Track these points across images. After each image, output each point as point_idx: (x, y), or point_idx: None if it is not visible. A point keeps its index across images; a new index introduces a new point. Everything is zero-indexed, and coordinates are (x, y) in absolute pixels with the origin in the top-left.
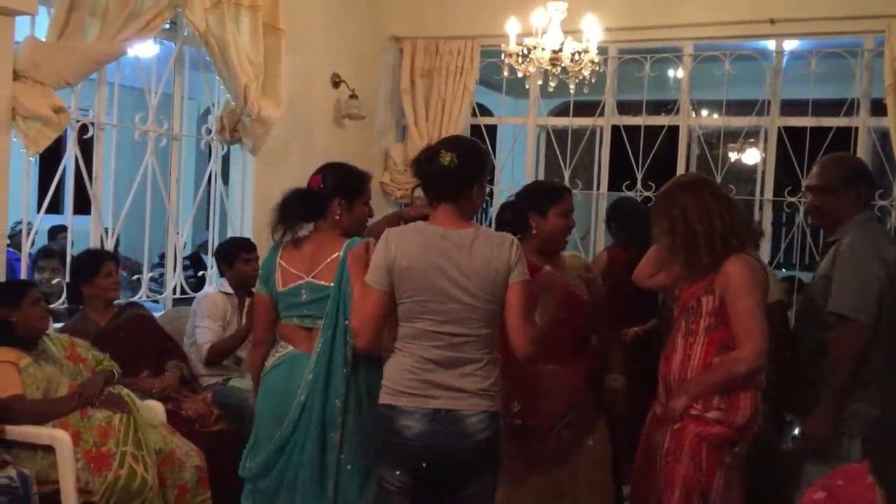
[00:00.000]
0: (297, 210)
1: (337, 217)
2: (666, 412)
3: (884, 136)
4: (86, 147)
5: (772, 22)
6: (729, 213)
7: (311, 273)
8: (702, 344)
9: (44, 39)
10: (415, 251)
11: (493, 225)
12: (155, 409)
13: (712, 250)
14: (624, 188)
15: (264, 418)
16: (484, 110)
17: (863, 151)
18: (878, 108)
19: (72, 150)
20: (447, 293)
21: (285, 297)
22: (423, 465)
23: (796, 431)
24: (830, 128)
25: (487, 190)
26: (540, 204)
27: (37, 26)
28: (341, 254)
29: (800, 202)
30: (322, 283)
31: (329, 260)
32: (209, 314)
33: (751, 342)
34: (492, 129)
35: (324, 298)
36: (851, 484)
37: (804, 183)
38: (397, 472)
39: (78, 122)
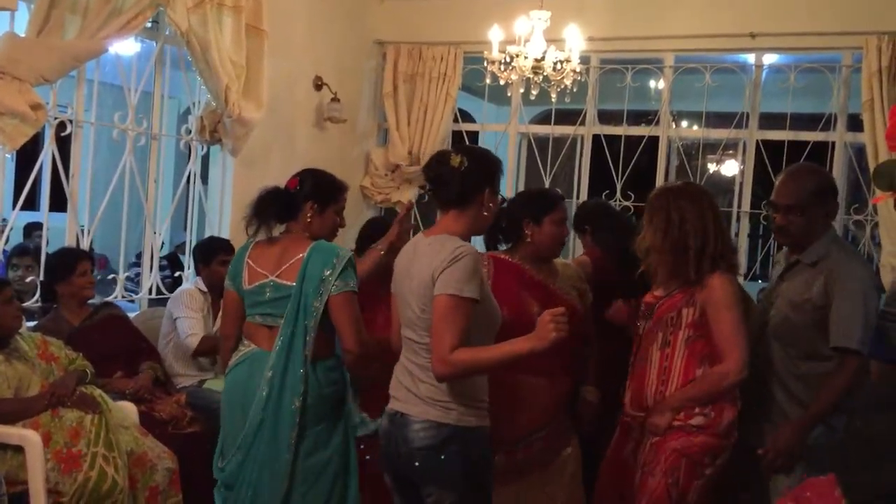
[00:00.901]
0: (271, 208)
1: (308, 220)
2: (649, 427)
3: (860, 151)
4: (63, 144)
5: (752, 36)
6: (722, 235)
7: (275, 272)
8: (681, 356)
9: (23, 35)
10: (400, 259)
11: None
12: (127, 411)
13: (699, 268)
14: (603, 197)
15: (227, 416)
16: (466, 116)
17: (839, 166)
18: (855, 123)
19: (49, 148)
20: (404, 299)
21: (250, 294)
22: (386, 464)
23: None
24: (808, 142)
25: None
26: (535, 211)
27: (16, 22)
28: (305, 255)
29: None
30: (285, 282)
31: (294, 260)
32: (190, 305)
33: (735, 355)
34: (473, 136)
35: (286, 298)
36: (820, 497)
37: (771, 198)
38: (386, 473)
39: (56, 119)
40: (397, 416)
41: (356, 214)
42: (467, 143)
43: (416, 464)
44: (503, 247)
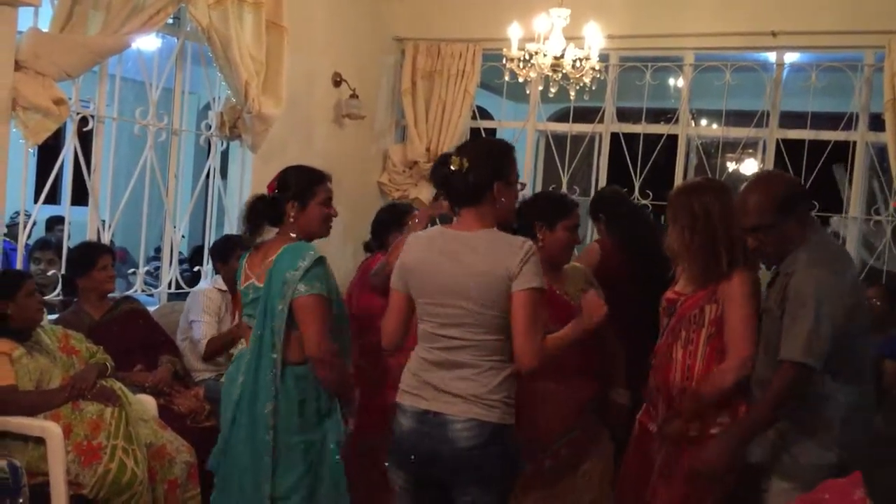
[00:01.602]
0: (258, 216)
1: (291, 219)
2: (663, 435)
3: (881, 151)
4: (85, 139)
5: (773, 34)
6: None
7: (257, 274)
8: (703, 354)
9: (46, 31)
10: (422, 254)
11: None
12: (147, 404)
13: (733, 257)
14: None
15: (221, 413)
16: (484, 113)
17: (860, 166)
18: (877, 123)
19: (71, 143)
20: (447, 296)
21: (242, 295)
22: (411, 463)
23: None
24: (828, 141)
25: (521, 188)
26: (549, 216)
27: (40, 18)
28: (274, 258)
29: None
30: (260, 284)
31: (268, 262)
32: (206, 309)
33: (737, 352)
34: (491, 133)
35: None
36: (838, 498)
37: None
38: (400, 473)
39: (78, 114)
40: (429, 416)
41: (374, 210)
42: None
43: (462, 465)
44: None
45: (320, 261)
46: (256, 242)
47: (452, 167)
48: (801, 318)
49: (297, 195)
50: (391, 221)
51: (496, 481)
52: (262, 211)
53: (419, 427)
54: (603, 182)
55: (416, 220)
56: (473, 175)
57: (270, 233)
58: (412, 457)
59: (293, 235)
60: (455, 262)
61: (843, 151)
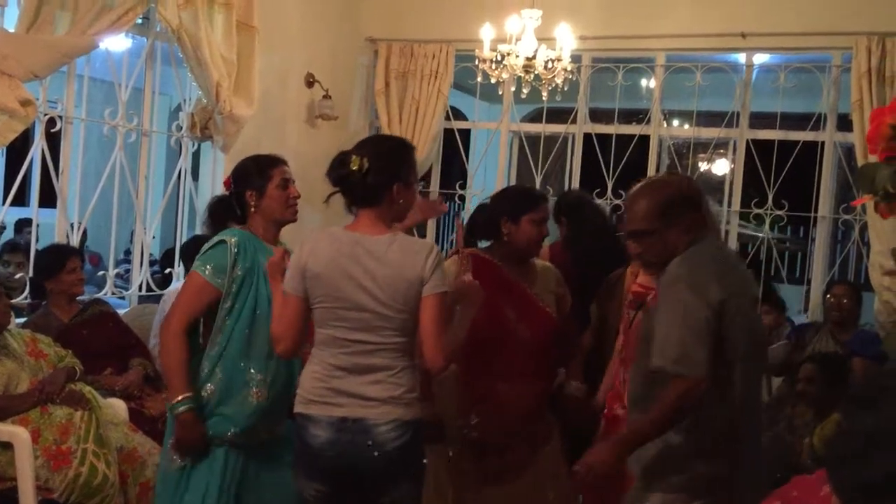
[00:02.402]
0: (222, 215)
1: (252, 209)
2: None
3: (849, 151)
4: (53, 140)
5: (743, 36)
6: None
7: None
8: None
9: (13, 31)
10: (325, 257)
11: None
12: (117, 407)
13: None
14: (594, 195)
15: None
16: (458, 114)
17: (828, 165)
18: (845, 123)
19: (39, 144)
20: (357, 301)
21: None
22: (335, 474)
23: None
24: (797, 141)
25: (418, 190)
26: (514, 209)
27: (6, 18)
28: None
29: (766, 214)
30: None
31: None
32: None
33: None
34: (465, 133)
35: None
36: (806, 495)
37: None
38: (313, 483)
39: (46, 115)
40: (348, 423)
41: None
42: (458, 140)
43: (391, 465)
44: (484, 244)
45: (220, 244)
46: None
47: (352, 167)
48: (670, 324)
49: (252, 183)
50: None
51: (419, 473)
52: (224, 209)
53: (339, 436)
54: (576, 182)
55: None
56: (373, 176)
57: None
58: (337, 466)
59: (253, 226)
60: (364, 267)
61: (811, 151)
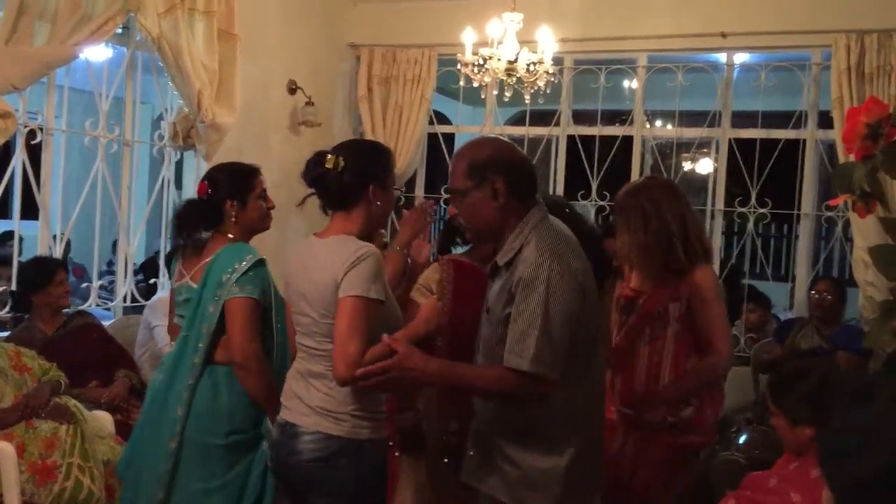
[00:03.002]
0: (193, 222)
1: (233, 219)
2: (641, 422)
3: (831, 148)
4: (34, 151)
5: (723, 35)
6: (698, 223)
7: (190, 274)
8: (671, 351)
9: None
10: (292, 263)
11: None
12: (103, 420)
13: (688, 250)
14: (579, 197)
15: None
16: (441, 118)
17: (811, 163)
18: (826, 120)
19: (19, 156)
20: (298, 305)
21: (175, 294)
22: (277, 475)
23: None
24: (779, 139)
25: (398, 195)
26: None
27: None
28: (210, 259)
29: (750, 212)
30: (193, 284)
31: (205, 262)
32: (167, 313)
33: (723, 345)
34: (449, 138)
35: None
36: (756, 491)
37: None
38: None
39: (26, 127)
40: (287, 427)
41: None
42: (442, 144)
43: (306, 478)
44: (460, 249)
45: (260, 263)
46: (188, 243)
47: (328, 165)
48: (530, 319)
49: (234, 193)
50: None
51: (343, 495)
52: (197, 215)
53: (280, 438)
54: (561, 185)
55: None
56: (349, 175)
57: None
58: (274, 467)
59: (230, 236)
60: (303, 270)
61: (793, 149)
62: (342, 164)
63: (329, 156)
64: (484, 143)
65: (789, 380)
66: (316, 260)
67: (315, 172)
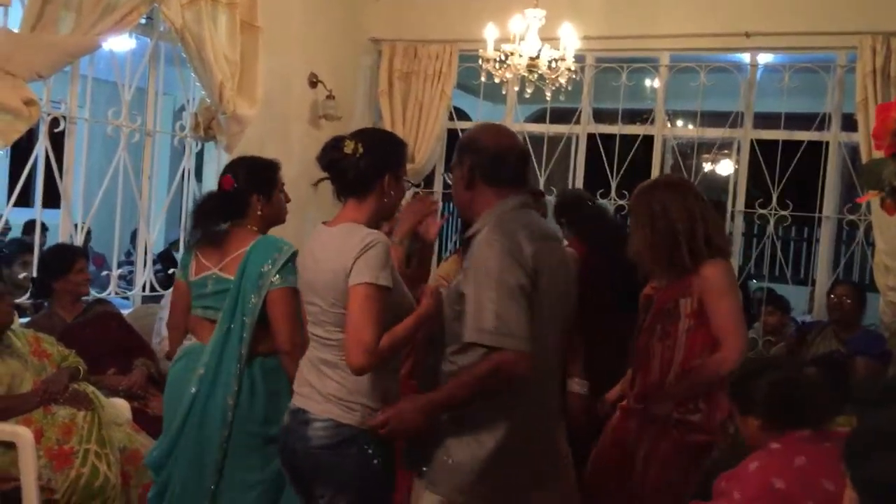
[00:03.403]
0: (216, 214)
1: (259, 213)
2: (647, 413)
3: (854, 151)
4: (57, 140)
5: (747, 35)
6: (710, 216)
7: (219, 265)
8: (682, 346)
9: (17, 31)
10: (303, 252)
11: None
12: (120, 407)
13: (693, 249)
14: (598, 196)
15: (166, 410)
16: (461, 114)
17: (833, 166)
18: (849, 123)
19: (42, 144)
20: (308, 294)
21: (195, 286)
22: (284, 459)
23: None
24: (802, 141)
25: (407, 189)
26: None
27: (10, 17)
28: (247, 249)
29: (770, 214)
30: (227, 276)
31: (237, 254)
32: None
33: (734, 342)
34: None
35: (226, 291)
36: (732, 482)
37: None
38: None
39: (49, 115)
40: (299, 413)
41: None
42: None
43: (315, 465)
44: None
45: (295, 255)
46: (204, 234)
47: (346, 150)
48: (481, 294)
49: (260, 187)
50: None
51: (350, 485)
52: (220, 208)
53: (290, 423)
54: (580, 183)
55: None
56: (365, 161)
57: None
58: (282, 452)
59: (254, 228)
60: (312, 259)
61: (816, 151)
62: (361, 150)
63: (347, 141)
64: (478, 126)
65: (746, 373)
66: (324, 249)
67: (332, 156)
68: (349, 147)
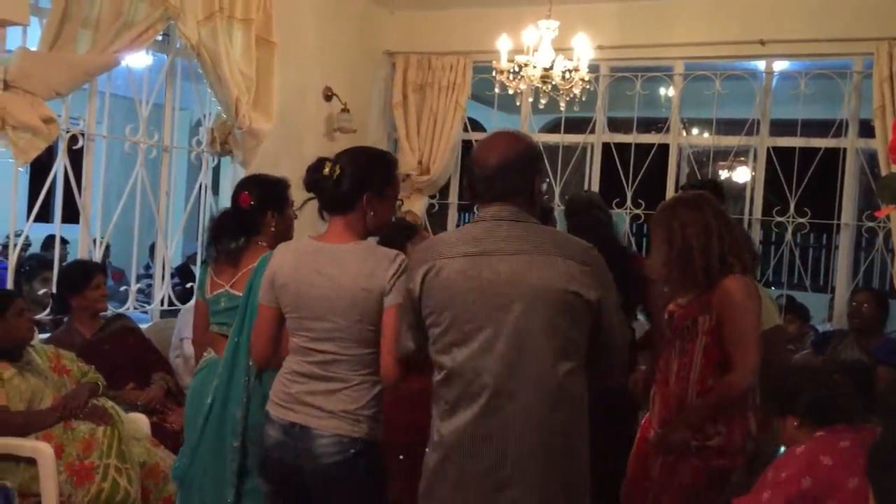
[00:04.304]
0: (233, 231)
1: (273, 229)
2: (664, 444)
3: (871, 157)
4: (76, 157)
5: (762, 43)
6: (729, 233)
7: (230, 282)
8: (698, 364)
9: (35, 49)
10: (290, 267)
11: None
12: (139, 422)
13: (708, 268)
14: (614, 205)
15: (187, 421)
16: (476, 125)
17: (851, 172)
18: (867, 129)
19: (61, 161)
20: (318, 311)
21: (210, 304)
22: (279, 476)
23: None
24: (819, 148)
25: (398, 204)
26: None
27: (28, 37)
28: (255, 265)
29: (788, 222)
30: (237, 292)
31: (246, 270)
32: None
33: (743, 363)
34: None
35: (237, 308)
36: (847, 460)
37: None
38: (264, 481)
39: (68, 132)
40: (296, 429)
41: None
42: None
43: (327, 480)
44: None
45: None
46: (222, 252)
47: (324, 172)
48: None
49: (276, 204)
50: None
51: (362, 497)
52: (236, 224)
53: (285, 439)
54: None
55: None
56: (345, 183)
57: None
58: (278, 469)
59: (263, 244)
60: (326, 277)
61: (833, 158)
62: (338, 171)
63: (327, 163)
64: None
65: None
66: (340, 266)
67: (312, 177)
68: (326, 169)
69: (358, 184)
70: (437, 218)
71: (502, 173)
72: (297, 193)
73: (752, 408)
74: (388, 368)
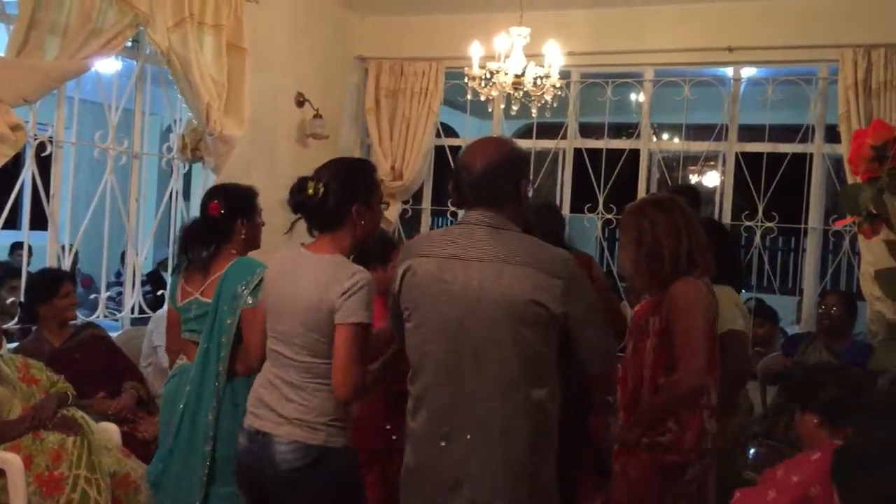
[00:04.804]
0: (203, 240)
1: (242, 237)
2: (619, 441)
3: (838, 162)
4: (44, 163)
5: (730, 50)
6: (696, 233)
7: (199, 289)
8: (649, 364)
9: (2, 56)
10: (274, 271)
11: None
12: (110, 432)
13: (676, 266)
14: (586, 210)
15: (161, 426)
16: (449, 130)
17: (817, 177)
18: (833, 135)
19: (29, 168)
20: (281, 314)
21: (181, 311)
22: (245, 482)
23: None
24: (786, 153)
25: (383, 210)
26: None
27: None
28: (222, 273)
29: (756, 226)
30: (206, 299)
31: (214, 277)
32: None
33: (689, 363)
34: (456, 150)
35: (207, 314)
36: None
37: None
38: (237, 487)
39: (36, 138)
40: (259, 436)
41: None
42: (449, 157)
43: (285, 487)
44: None
45: None
46: (188, 260)
47: (309, 192)
48: None
49: (244, 211)
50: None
51: (326, 501)
52: (207, 232)
53: (251, 446)
54: (567, 197)
55: None
56: (331, 199)
57: None
58: (243, 475)
59: (233, 252)
60: (291, 282)
61: (800, 163)
62: (322, 189)
63: (309, 182)
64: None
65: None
66: (308, 274)
67: (297, 199)
68: (311, 188)
69: (344, 197)
70: (410, 223)
71: (489, 178)
72: (267, 199)
73: (708, 407)
74: (338, 385)
